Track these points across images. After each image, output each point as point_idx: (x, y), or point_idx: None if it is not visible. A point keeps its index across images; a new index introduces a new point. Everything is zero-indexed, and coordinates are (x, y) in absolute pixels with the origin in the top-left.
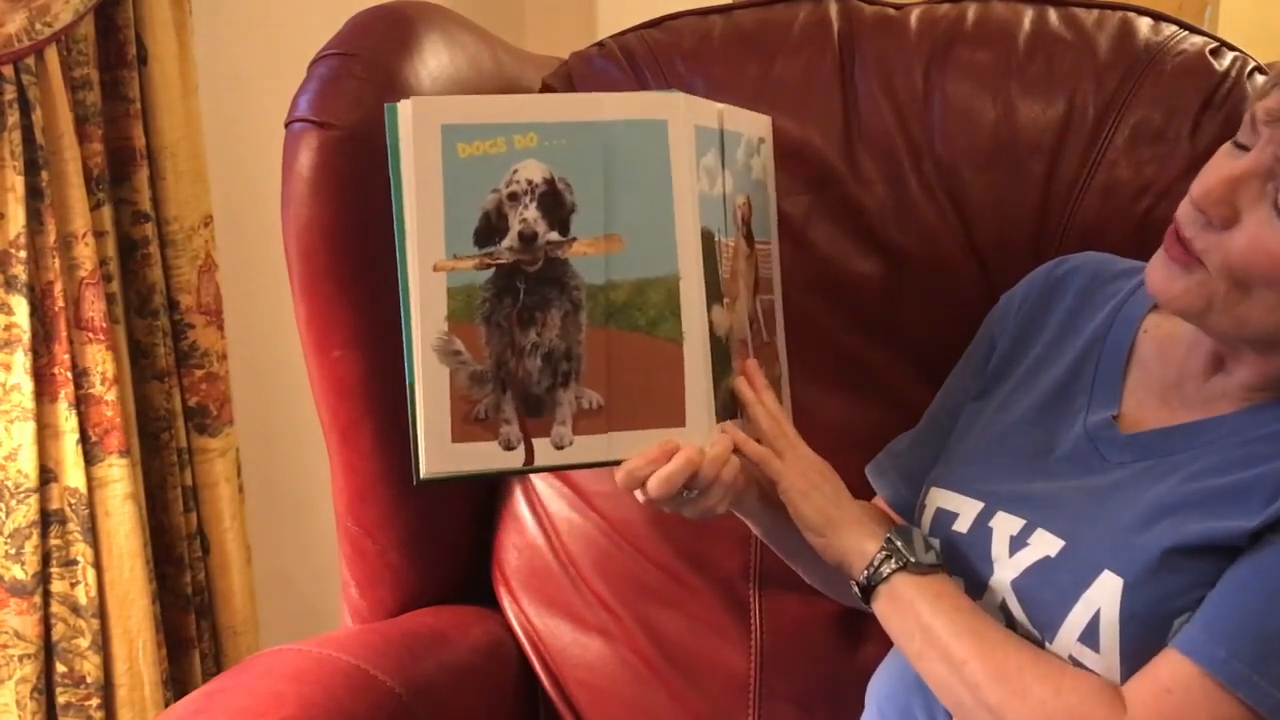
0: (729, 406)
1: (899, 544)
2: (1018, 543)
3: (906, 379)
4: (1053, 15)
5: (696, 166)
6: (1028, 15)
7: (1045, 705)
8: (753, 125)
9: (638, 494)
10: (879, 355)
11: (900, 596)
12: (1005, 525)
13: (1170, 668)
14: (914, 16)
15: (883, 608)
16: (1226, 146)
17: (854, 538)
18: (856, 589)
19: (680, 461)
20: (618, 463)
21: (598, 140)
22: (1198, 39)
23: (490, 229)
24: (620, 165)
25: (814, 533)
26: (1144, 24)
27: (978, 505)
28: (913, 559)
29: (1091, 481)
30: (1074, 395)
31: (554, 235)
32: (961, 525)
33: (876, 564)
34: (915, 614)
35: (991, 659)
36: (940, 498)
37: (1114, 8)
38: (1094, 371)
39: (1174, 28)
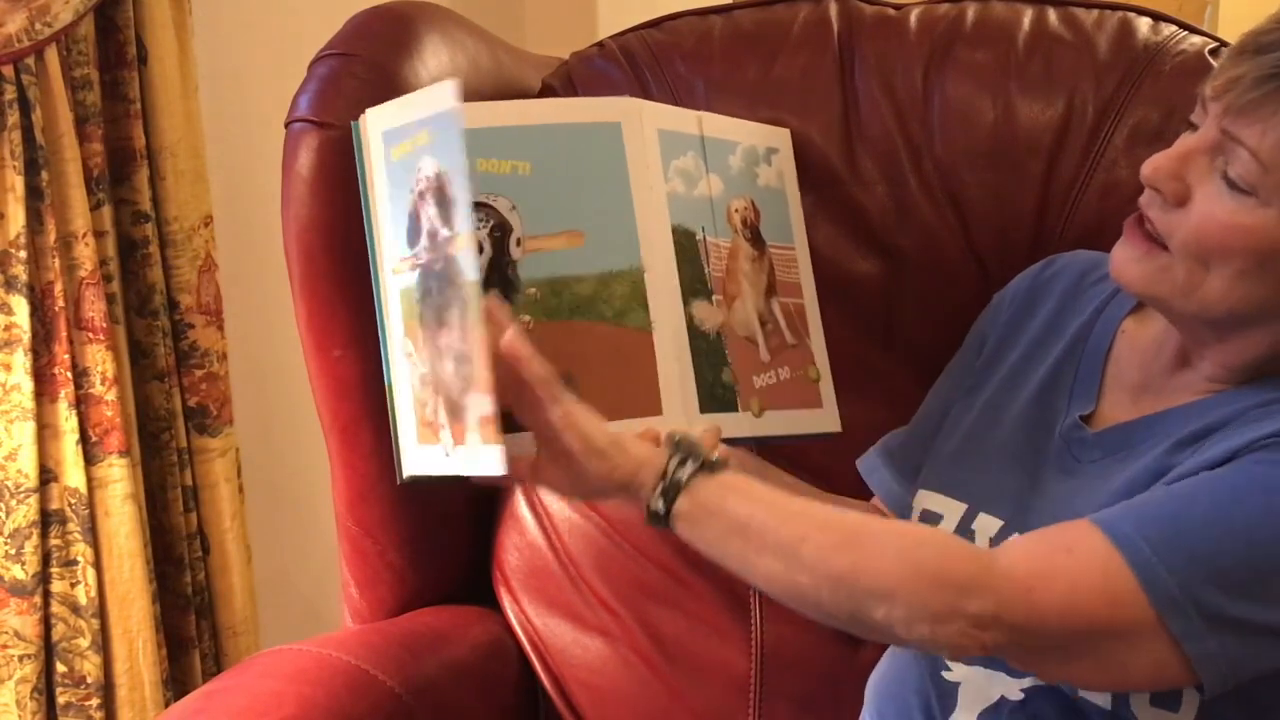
0: (723, 400)
1: (687, 446)
2: (995, 545)
3: (905, 379)
4: (1052, 15)
5: (665, 167)
6: (1027, 15)
7: (905, 555)
8: (755, 135)
9: None
10: (878, 355)
11: (706, 502)
12: (986, 527)
13: (1077, 532)
14: (914, 16)
15: (689, 520)
16: (1184, 130)
17: (639, 450)
18: (656, 509)
19: None
20: None
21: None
22: (1197, 39)
23: (416, 229)
24: (572, 165)
25: (597, 456)
26: (1144, 24)
27: (961, 507)
28: (709, 458)
29: (1067, 483)
30: (1056, 397)
31: (445, 231)
32: (947, 527)
33: (671, 471)
34: (728, 514)
35: (829, 530)
36: (926, 499)
37: (1114, 8)
38: (1074, 373)
39: (1174, 28)
